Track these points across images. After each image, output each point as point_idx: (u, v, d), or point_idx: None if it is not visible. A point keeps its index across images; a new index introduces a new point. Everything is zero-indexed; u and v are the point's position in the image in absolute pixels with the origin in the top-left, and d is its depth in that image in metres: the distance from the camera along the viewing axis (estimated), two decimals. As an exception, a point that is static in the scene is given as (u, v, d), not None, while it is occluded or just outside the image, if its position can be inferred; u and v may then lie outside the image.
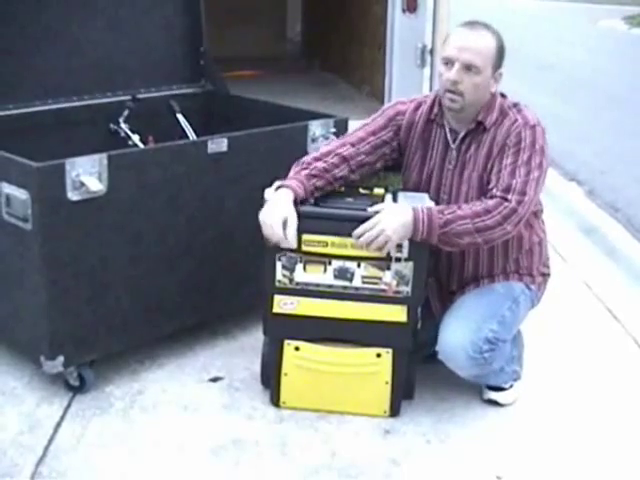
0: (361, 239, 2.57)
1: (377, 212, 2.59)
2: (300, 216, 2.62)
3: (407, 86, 5.05)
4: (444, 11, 4.79)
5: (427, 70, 4.90)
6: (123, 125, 3.59)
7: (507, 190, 2.59)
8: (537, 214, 2.86)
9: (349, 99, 6.43)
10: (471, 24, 2.68)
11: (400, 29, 5.05)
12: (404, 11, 4.96)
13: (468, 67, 2.61)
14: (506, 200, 2.58)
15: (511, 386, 2.90)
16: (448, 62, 2.65)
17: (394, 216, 2.57)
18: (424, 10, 4.84)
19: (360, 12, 8.03)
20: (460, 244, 2.61)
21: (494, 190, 2.63)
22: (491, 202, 2.60)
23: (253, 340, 3.26)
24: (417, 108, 2.86)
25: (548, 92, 9.28)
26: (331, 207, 2.69)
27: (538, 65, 11.10)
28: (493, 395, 2.90)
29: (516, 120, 2.69)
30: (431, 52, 4.81)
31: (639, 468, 2.63)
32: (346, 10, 8.55)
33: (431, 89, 4.90)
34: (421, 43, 4.84)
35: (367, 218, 2.57)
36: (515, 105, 2.75)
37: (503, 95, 2.78)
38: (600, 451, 2.70)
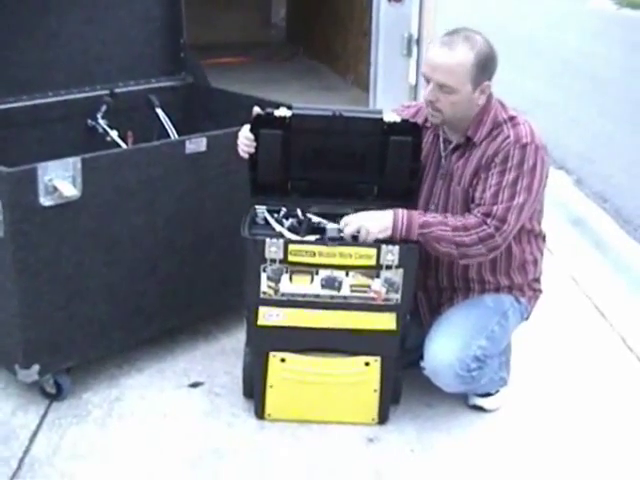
0: (345, 229, 2.56)
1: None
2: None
3: (392, 76, 4.98)
4: (431, 0, 4.70)
5: (413, 60, 4.81)
6: (101, 121, 3.51)
7: (487, 214, 2.53)
8: (538, 235, 2.78)
9: (334, 88, 6.35)
10: (450, 37, 2.53)
11: (386, 17, 4.96)
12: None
13: (441, 87, 2.53)
14: (485, 223, 2.52)
15: (497, 391, 2.85)
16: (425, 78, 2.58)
17: (371, 215, 2.56)
18: (410, -2, 4.75)
19: (345, -1, 7.92)
20: (438, 250, 2.54)
21: (476, 210, 2.56)
22: (471, 220, 2.53)
23: (234, 341, 3.21)
24: (416, 114, 2.79)
25: (534, 76, 9.20)
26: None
27: (524, 48, 11.00)
28: (479, 401, 2.85)
29: (507, 137, 2.56)
30: (417, 42, 4.73)
31: (624, 470, 2.60)
32: (331, -5, 8.44)
33: (417, 79, 4.82)
34: (407, 32, 4.77)
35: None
36: (511, 119, 2.61)
37: (502, 104, 2.66)
38: (586, 456, 2.65)
